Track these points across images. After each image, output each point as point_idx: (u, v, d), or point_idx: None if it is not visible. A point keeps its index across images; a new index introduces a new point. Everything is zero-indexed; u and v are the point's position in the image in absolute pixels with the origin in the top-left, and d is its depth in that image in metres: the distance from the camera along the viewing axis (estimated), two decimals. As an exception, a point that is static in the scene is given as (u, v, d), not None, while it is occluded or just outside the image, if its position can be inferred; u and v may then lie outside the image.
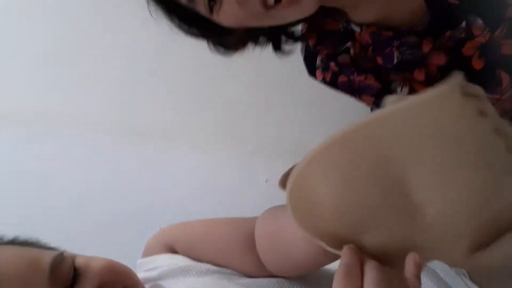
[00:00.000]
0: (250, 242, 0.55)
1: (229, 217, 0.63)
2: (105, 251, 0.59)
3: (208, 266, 0.59)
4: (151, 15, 0.59)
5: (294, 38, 0.67)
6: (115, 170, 1.22)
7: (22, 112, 1.23)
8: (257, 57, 0.69)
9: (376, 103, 0.65)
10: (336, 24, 0.64)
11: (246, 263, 0.57)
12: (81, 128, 1.23)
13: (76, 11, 1.23)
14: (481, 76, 0.60)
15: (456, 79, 0.33)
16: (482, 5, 0.57)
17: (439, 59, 0.61)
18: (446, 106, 0.32)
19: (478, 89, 0.34)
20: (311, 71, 0.70)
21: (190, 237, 0.63)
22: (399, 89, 0.63)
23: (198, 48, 0.66)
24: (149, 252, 0.65)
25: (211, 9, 0.52)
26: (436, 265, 0.67)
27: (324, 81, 0.68)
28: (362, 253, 0.38)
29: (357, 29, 0.62)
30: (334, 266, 0.41)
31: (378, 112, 0.33)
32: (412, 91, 0.64)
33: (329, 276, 0.41)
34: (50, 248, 0.59)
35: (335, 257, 0.42)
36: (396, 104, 0.33)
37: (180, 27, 0.58)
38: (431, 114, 0.32)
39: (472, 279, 0.62)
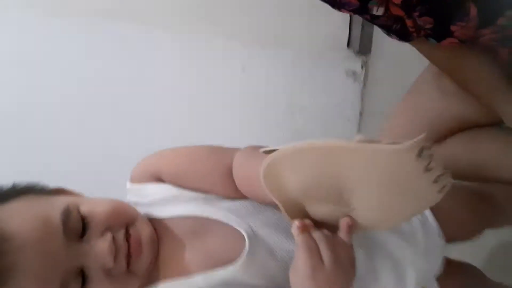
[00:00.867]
0: (229, 173, 0.64)
1: (209, 146, 0.69)
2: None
3: (193, 193, 0.66)
4: None
5: None
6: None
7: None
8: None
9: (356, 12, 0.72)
10: None
11: (226, 189, 0.66)
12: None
13: None
14: (451, 5, 0.67)
15: (419, 140, 0.42)
16: None
17: None
18: (401, 161, 0.43)
19: (432, 151, 0.43)
20: None
21: (174, 167, 0.68)
22: (375, 8, 0.70)
23: None
24: (136, 178, 0.69)
25: None
26: None
27: None
28: (310, 227, 0.54)
29: None
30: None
31: (348, 143, 0.45)
32: (387, 11, 0.71)
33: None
34: (50, 192, 0.64)
35: None
36: (364, 143, 0.44)
37: None
38: (386, 161, 0.43)
39: None
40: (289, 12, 1.37)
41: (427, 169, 0.42)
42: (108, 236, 0.59)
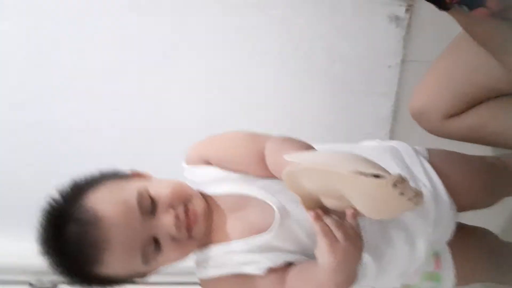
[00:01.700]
0: (262, 157, 0.77)
1: (246, 134, 0.83)
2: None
3: (234, 174, 0.81)
4: None
5: None
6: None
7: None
8: None
9: None
10: None
11: (260, 171, 0.78)
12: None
13: None
14: None
15: (393, 177, 0.58)
16: None
17: None
18: (381, 190, 0.59)
19: (404, 182, 0.58)
20: None
21: (218, 154, 0.82)
22: None
23: None
24: (190, 161, 0.84)
25: None
26: (400, 145, 0.93)
27: None
28: (322, 215, 0.66)
29: None
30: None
31: (344, 172, 0.60)
32: None
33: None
34: (127, 176, 0.81)
35: None
36: (356, 175, 0.59)
37: None
38: (371, 190, 0.60)
39: (430, 158, 0.88)
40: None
41: (401, 193, 0.58)
42: (171, 211, 0.75)
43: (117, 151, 1.39)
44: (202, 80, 1.42)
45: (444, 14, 0.97)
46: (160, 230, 0.74)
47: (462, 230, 0.88)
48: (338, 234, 0.64)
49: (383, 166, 0.63)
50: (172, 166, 0.84)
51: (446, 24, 0.95)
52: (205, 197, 0.81)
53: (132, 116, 1.42)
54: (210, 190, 0.82)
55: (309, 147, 0.75)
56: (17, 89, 1.37)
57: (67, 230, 0.72)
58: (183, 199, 0.77)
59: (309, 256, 0.75)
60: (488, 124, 0.98)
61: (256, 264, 0.76)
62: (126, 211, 0.73)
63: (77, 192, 0.76)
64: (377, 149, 0.90)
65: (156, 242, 0.75)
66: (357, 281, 0.71)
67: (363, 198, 0.62)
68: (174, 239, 0.75)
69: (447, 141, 1.07)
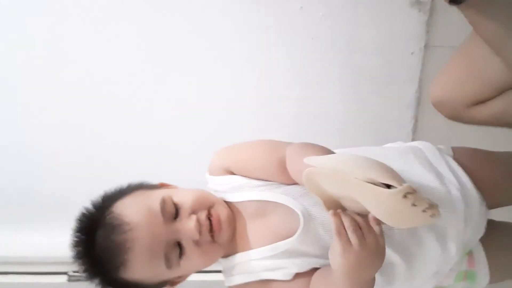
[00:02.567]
0: (283, 164, 0.78)
1: (266, 142, 0.84)
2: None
3: (256, 182, 0.81)
4: None
5: None
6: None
7: None
8: None
9: None
10: None
11: (282, 177, 0.79)
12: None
13: None
14: None
15: (402, 188, 0.59)
16: None
17: None
18: (392, 200, 0.60)
19: (415, 193, 0.59)
20: None
21: (240, 162, 0.83)
22: None
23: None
24: (213, 172, 0.86)
25: None
26: (423, 145, 0.92)
27: None
28: (342, 213, 0.67)
29: None
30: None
31: (357, 180, 0.62)
32: None
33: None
34: (153, 187, 0.84)
35: None
36: (367, 184, 0.61)
37: None
38: (383, 199, 0.61)
39: (455, 156, 0.88)
40: None
41: (413, 205, 0.58)
42: (193, 217, 0.77)
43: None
44: (222, 70, 1.41)
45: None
46: (183, 234, 0.76)
47: (493, 227, 0.87)
48: (352, 237, 0.64)
49: (399, 175, 0.63)
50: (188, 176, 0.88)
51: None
52: (229, 205, 0.82)
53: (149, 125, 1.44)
54: (233, 198, 0.83)
55: (329, 152, 0.75)
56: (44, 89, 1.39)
57: (97, 235, 0.76)
58: (206, 206, 0.79)
59: None
60: None
61: (282, 270, 0.77)
62: (149, 216, 0.76)
63: (107, 201, 0.80)
64: (400, 150, 0.89)
65: (180, 247, 0.77)
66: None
67: (377, 206, 0.62)
68: (197, 243, 0.77)
69: (472, 128, 1.06)
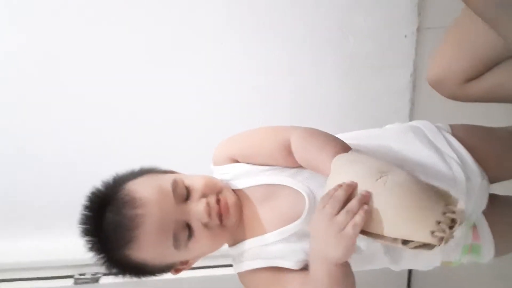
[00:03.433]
0: (287, 148, 0.79)
1: (268, 128, 0.84)
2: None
3: (262, 167, 0.82)
4: None
5: None
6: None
7: None
8: None
9: None
10: None
11: (286, 161, 0.80)
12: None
13: None
14: None
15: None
16: None
17: None
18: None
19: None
20: None
21: (244, 149, 0.84)
22: None
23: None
24: (217, 162, 0.87)
25: None
26: (421, 123, 0.92)
27: None
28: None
29: None
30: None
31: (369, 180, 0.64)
32: None
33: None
34: (165, 171, 0.85)
35: None
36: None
37: None
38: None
39: (453, 132, 0.88)
40: None
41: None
42: (203, 200, 0.78)
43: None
44: (220, 63, 1.42)
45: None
46: (192, 216, 0.77)
47: (496, 201, 0.87)
48: (329, 206, 0.64)
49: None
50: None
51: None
52: (235, 192, 0.83)
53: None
54: (239, 184, 0.83)
55: (335, 139, 0.75)
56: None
57: (107, 210, 0.76)
58: (215, 191, 0.80)
59: None
60: (507, 83, 0.98)
61: (291, 257, 0.77)
62: (161, 194, 0.77)
63: (118, 182, 0.80)
64: (399, 130, 0.89)
65: (189, 229, 0.77)
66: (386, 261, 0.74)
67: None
68: (206, 226, 0.77)
69: (469, 109, 1.07)
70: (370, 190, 0.63)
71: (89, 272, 1.50)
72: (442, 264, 0.87)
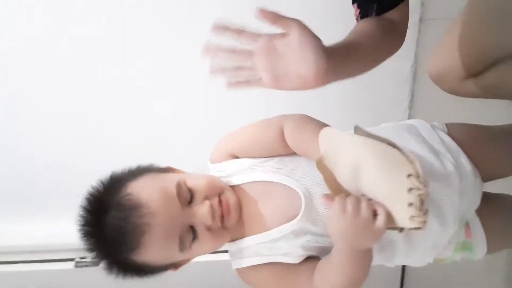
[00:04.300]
0: (283, 137, 0.81)
1: (262, 121, 0.86)
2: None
3: (260, 159, 0.84)
4: None
5: None
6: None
7: None
8: None
9: None
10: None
11: (285, 149, 0.82)
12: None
13: None
14: None
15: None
16: None
17: None
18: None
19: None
20: None
21: (242, 143, 0.86)
22: None
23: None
24: (215, 159, 0.88)
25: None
26: (416, 122, 0.94)
27: None
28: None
29: None
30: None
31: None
32: None
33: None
34: (163, 170, 0.85)
35: None
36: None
37: None
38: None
39: (449, 131, 0.90)
40: None
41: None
42: (207, 202, 0.79)
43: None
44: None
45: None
46: (197, 219, 0.78)
47: (489, 199, 0.88)
48: (349, 205, 0.69)
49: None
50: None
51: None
52: (234, 188, 0.84)
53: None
54: (238, 180, 0.84)
55: (324, 125, 0.78)
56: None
57: (108, 215, 0.75)
58: (217, 191, 0.81)
59: None
60: (508, 80, 0.98)
61: (291, 253, 0.79)
62: (166, 199, 0.77)
63: (118, 181, 0.80)
64: (394, 129, 0.90)
65: (193, 231, 0.78)
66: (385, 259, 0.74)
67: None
68: (209, 228, 0.79)
69: (469, 102, 1.06)
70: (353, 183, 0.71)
71: (90, 255, 1.52)
72: (434, 261, 0.88)
